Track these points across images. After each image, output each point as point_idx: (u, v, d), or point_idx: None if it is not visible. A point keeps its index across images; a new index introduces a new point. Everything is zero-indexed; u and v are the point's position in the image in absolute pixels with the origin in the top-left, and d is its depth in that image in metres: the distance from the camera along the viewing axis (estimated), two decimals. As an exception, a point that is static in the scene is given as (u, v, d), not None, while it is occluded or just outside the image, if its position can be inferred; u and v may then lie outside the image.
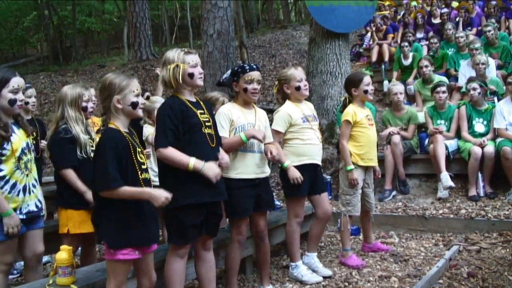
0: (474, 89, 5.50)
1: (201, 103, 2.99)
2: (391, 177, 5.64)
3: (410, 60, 7.98)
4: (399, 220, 4.98)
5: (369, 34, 10.38)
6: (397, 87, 5.85)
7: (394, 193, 5.64)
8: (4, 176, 2.82)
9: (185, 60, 2.84)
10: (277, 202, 5.36)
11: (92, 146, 3.44)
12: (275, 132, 3.66)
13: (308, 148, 3.69)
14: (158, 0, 19.37)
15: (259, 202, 3.35)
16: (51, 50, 19.82)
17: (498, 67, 6.93)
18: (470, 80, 5.79)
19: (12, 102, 2.85)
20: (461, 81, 6.68)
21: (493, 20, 8.25)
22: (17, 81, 2.88)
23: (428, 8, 10.29)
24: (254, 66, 3.39)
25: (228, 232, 3.49)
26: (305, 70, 6.44)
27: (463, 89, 6.31)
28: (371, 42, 10.09)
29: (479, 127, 5.52)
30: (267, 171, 3.45)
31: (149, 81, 12.02)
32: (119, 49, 20.19)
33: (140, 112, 2.60)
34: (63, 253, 2.59)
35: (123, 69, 13.52)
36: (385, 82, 8.43)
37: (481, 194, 5.19)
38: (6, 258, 2.88)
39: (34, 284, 2.81)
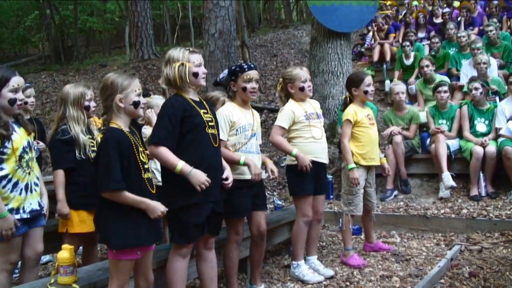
0: (476, 88, 5.49)
1: (204, 102, 2.99)
2: (392, 177, 5.64)
3: (411, 59, 7.97)
4: (400, 219, 4.97)
5: (370, 34, 10.36)
6: (399, 87, 5.85)
7: (395, 192, 5.64)
8: (6, 175, 2.83)
9: (190, 59, 2.84)
10: (278, 202, 5.37)
11: (93, 146, 3.44)
12: (279, 128, 3.68)
13: (311, 146, 3.69)
14: (159, -1, 19.40)
15: (256, 201, 3.36)
16: (52, 50, 19.83)
17: (500, 67, 6.92)
18: (472, 79, 5.79)
19: (12, 101, 2.85)
20: (463, 81, 6.67)
21: (495, 20, 8.24)
22: (16, 80, 2.88)
23: (430, 8, 10.28)
24: (252, 65, 3.39)
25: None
26: (307, 70, 6.43)
27: (465, 89, 6.31)
28: (372, 42, 10.08)
29: (481, 126, 5.51)
30: (262, 172, 3.45)
31: (151, 80, 12.02)
32: (120, 48, 20.22)
33: (141, 112, 2.61)
34: (65, 252, 2.59)
35: (124, 69, 13.51)
36: (387, 82, 8.43)
37: (483, 194, 5.18)
38: (10, 257, 2.89)
39: (35, 283, 2.81)
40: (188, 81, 2.83)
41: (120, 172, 2.37)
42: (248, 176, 3.26)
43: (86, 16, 20.07)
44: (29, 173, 2.96)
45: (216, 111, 3.26)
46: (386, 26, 9.86)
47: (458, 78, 7.00)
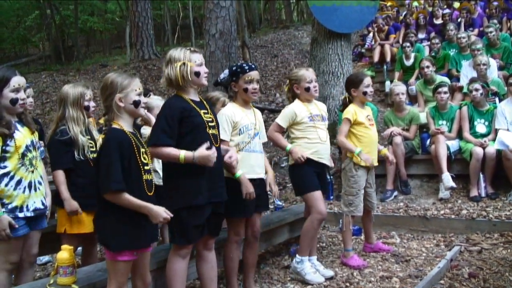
0: (476, 90, 5.49)
1: (205, 103, 2.99)
2: (392, 178, 5.65)
3: (412, 60, 7.97)
4: (400, 220, 4.97)
5: (371, 35, 10.36)
6: (399, 88, 5.85)
7: (395, 193, 5.65)
8: (8, 173, 2.84)
9: (192, 59, 2.84)
10: (278, 202, 5.36)
11: (92, 147, 3.44)
12: (277, 125, 3.72)
13: (317, 147, 3.70)
14: (160, -1, 19.40)
15: (258, 202, 3.35)
16: (53, 49, 19.84)
17: (500, 68, 6.93)
18: (472, 80, 5.79)
19: (14, 101, 2.87)
20: (463, 82, 6.67)
21: (495, 21, 8.25)
22: (17, 80, 2.89)
23: (430, 9, 10.28)
24: (253, 66, 3.39)
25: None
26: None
27: (465, 90, 6.31)
28: (373, 43, 10.08)
29: (481, 127, 5.52)
30: (264, 171, 3.46)
31: (151, 80, 12.03)
32: (121, 48, 20.22)
33: (142, 111, 2.60)
34: (64, 253, 2.59)
35: (125, 69, 13.52)
36: (387, 83, 8.43)
37: (483, 194, 5.18)
38: (11, 257, 2.89)
39: (35, 283, 2.82)
40: (190, 80, 2.83)
41: (121, 172, 2.36)
42: (251, 176, 3.26)
43: (86, 16, 20.08)
44: (33, 171, 2.96)
45: (217, 112, 3.27)
46: (386, 27, 9.86)
47: (458, 79, 7.00)
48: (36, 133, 3.13)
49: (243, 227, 3.37)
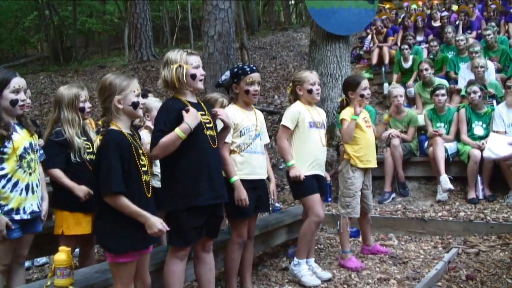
0: (474, 92, 5.51)
1: (202, 104, 2.98)
2: (390, 180, 5.65)
3: (410, 62, 7.99)
4: (398, 222, 4.98)
5: (369, 37, 10.40)
6: (398, 90, 5.86)
7: (393, 195, 5.65)
8: (5, 175, 2.84)
9: (188, 61, 2.83)
10: (276, 204, 5.36)
11: (89, 149, 3.43)
12: (284, 128, 3.70)
13: (314, 156, 3.71)
14: (159, 1, 19.39)
15: (258, 203, 3.36)
16: (51, 51, 19.84)
17: (498, 71, 6.95)
18: (471, 83, 5.80)
19: (14, 102, 2.87)
20: (461, 84, 6.69)
21: (493, 24, 8.27)
22: (17, 81, 2.90)
23: (428, 11, 10.31)
24: (254, 68, 3.40)
25: (228, 234, 3.49)
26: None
27: (463, 92, 6.33)
28: (371, 45, 10.11)
29: (479, 130, 5.53)
30: (266, 173, 3.46)
31: (150, 82, 12.04)
32: (119, 50, 20.22)
33: (140, 112, 2.59)
34: (62, 254, 2.58)
35: (123, 70, 13.52)
36: (385, 85, 8.45)
37: (480, 196, 5.19)
38: (3, 259, 2.89)
39: (32, 285, 2.81)
40: (186, 83, 2.83)
41: (121, 174, 2.35)
42: (252, 177, 3.27)
43: (85, 17, 20.10)
44: (30, 174, 2.96)
45: None
46: (384, 29, 9.88)
47: (456, 82, 7.02)
48: (36, 135, 3.12)
49: (246, 228, 3.36)
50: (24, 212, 2.91)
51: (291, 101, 3.90)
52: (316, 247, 4.42)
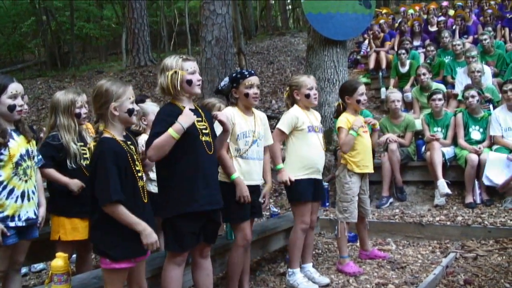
0: (472, 96, 5.52)
1: (200, 110, 2.98)
2: (388, 184, 5.66)
3: (407, 67, 8.02)
4: (396, 227, 4.98)
5: (366, 42, 10.44)
6: (395, 95, 5.88)
7: (391, 200, 5.65)
8: (1, 182, 2.82)
9: (183, 67, 2.84)
10: (274, 209, 5.36)
11: (85, 154, 3.43)
12: (279, 131, 3.69)
13: (312, 159, 3.71)
14: (156, 6, 19.43)
15: (253, 209, 3.36)
16: (48, 56, 19.84)
17: (494, 75, 6.97)
18: (468, 87, 5.82)
19: (11, 107, 2.87)
20: (458, 89, 6.72)
21: (489, 29, 8.31)
22: (15, 87, 2.90)
23: (425, 16, 10.37)
24: (252, 72, 3.41)
25: (225, 239, 3.48)
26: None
27: (460, 97, 6.35)
28: (368, 50, 10.14)
29: (476, 134, 5.54)
30: (262, 178, 3.46)
31: (147, 87, 12.02)
32: (117, 55, 20.24)
33: (135, 119, 2.61)
34: (59, 260, 2.57)
35: (121, 75, 13.53)
36: (383, 89, 8.48)
37: (478, 201, 5.19)
38: None
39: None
40: (182, 89, 2.83)
41: (119, 183, 2.35)
42: (248, 182, 3.26)
43: (82, 22, 20.10)
44: (26, 181, 2.94)
45: None
46: (381, 34, 9.92)
47: (453, 86, 7.04)
48: (33, 142, 3.12)
49: (249, 230, 3.35)
50: (19, 219, 2.89)
51: (288, 105, 3.90)
52: (314, 252, 4.41)
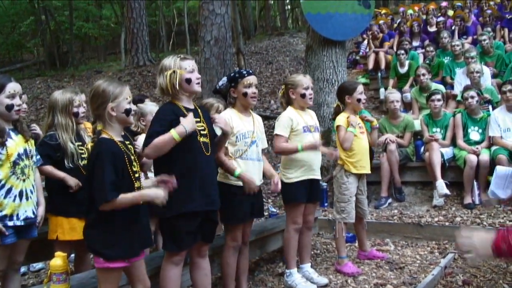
0: (472, 97, 5.52)
1: (199, 110, 2.98)
2: (387, 185, 5.66)
3: (406, 68, 8.02)
4: (394, 227, 4.98)
5: (365, 42, 10.44)
6: (394, 95, 5.88)
7: (390, 200, 5.66)
8: None
9: (182, 66, 2.84)
10: (272, 209, 5.36)
11: (83, 154, 3.42)
12: (279, 136, 3.66)
13: (309, 159, 3.69)
14: (155, 5, 19.42)
15: (252, 210, 3.35)
16: (47, 55, 19.83)
17: (493, 76, 6.98)
18: (467, 88, 5.82)
19: (9, 107, 2.87)
20: (457, 89, 6.72)
21: (488, 29, 8.32)
22: (13, 86, 2.90)
23: (424, 17, 10.38)
24: (251, 71, 3.40)
25: (223, 239, 3.48)
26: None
27: (459, 98, 6.35)
28: (367, 50, 10.14)
29: (474, 135, 5.54)
30: (261, 179, 3.46)
31: (146, 87, 12.01)
32: (116, 54, 20.22)
33: (132, 119, 2.61)
34: (58, 260, 2.56)
35: (119, 75, 13.51)
36: (382, 90, 8.48)
37: (476, 202, 5.20)
38: None
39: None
40: (181, 88, 2.83)
41: (114, 181, 2.34)
42: None
43: (81, 22, 20.09)
44: (24, 180, 2.94)
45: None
46: (381, 35, 9.93)
47: (452, 87, 7.05)
48: (32, 141, 3.11)
49: (241, 233, 3.36)
50: (18, 219, 2.89)
51: (282, 103, 3.87)
52: (312, 252, 4.41)
